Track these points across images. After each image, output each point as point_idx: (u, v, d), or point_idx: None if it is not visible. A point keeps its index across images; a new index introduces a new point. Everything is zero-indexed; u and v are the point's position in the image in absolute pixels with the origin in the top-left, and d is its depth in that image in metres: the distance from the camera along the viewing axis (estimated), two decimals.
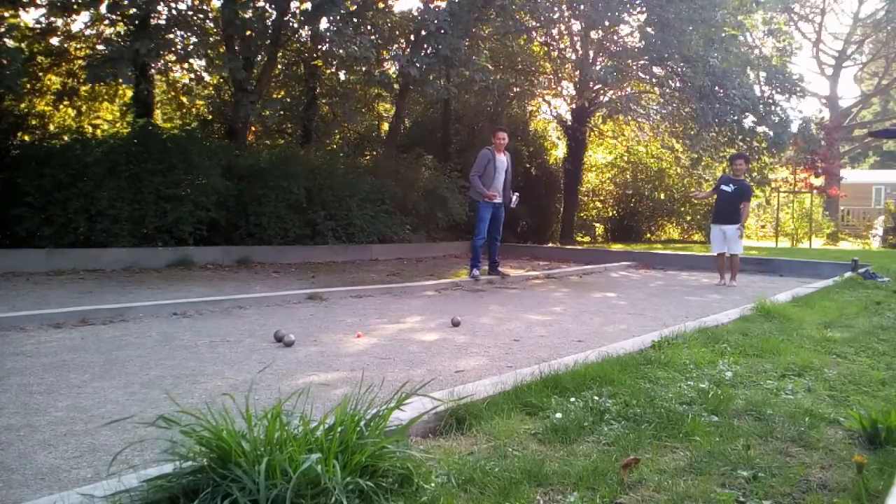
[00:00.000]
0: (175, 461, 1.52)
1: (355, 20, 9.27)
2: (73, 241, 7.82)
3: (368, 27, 9.81)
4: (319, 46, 8.94)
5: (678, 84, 12.68)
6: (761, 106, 12.73)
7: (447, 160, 13.47)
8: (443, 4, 9.84)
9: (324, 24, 9.39)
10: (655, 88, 13.82)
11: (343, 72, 12.42)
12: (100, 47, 9.48)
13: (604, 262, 10.60)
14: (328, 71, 12.71)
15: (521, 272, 8.94)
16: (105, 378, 3.14)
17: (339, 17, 8.71)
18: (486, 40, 12.73)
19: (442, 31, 9.05)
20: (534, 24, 12.19)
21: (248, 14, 8.85)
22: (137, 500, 1.46)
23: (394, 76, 10.61)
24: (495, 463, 1.75)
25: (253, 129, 12.35)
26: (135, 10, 8.57)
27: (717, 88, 11.93)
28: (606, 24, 11.42)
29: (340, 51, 8.77)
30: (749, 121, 12.80)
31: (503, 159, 7.66)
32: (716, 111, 11.87)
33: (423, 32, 9.42)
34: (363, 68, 10.18)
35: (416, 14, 10.40)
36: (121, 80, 8.54)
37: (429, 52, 9.50)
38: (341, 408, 1.67)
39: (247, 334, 4.31)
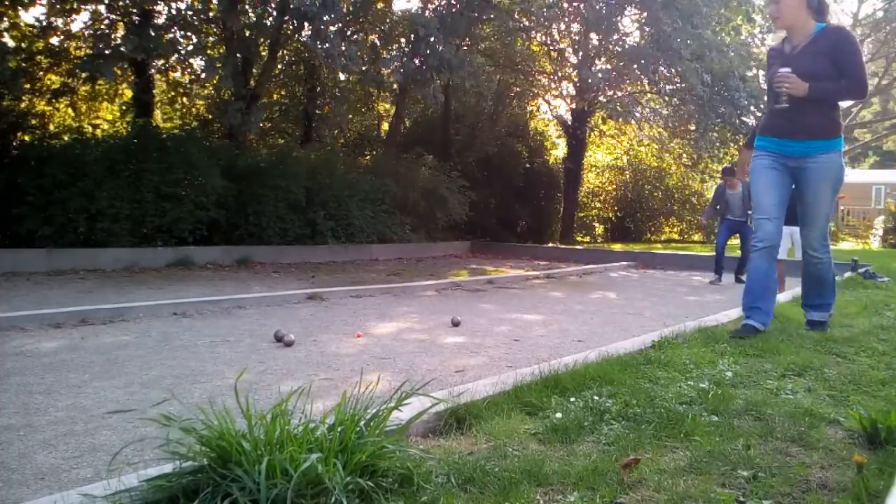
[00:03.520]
0: (175, 461, 1.52)
1: (346, 29, 9.24)
2: (73, 240, 7.83)
3: (359, 35, 9.79)
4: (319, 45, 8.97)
5: (678, 84, 12.70)
6: (762, 106, 12.74)
7: (447, 160, 13.47)
8: (437, 5, 9.86)
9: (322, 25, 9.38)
10: (655, 88, 13.84)
11: (341, 73, 12.45)
12: (100, 46, 9.49)
13: (604, 262, 10.60)
14: (326, 70, 12.73)
15: (521, 272, 8.94)
16: (105, 378, 3.14)
17: (332, 25, 8.67)
18: (485, 40, 12.72)
19: (432, 39, 9.07)
20: (533, 23, 12.19)
21: (250, 14, 8.84)
22: (137, 499, 1.46)
23: (391, 80, 10.63)
24: (495, 463, 1.75)
25: None
26: (134, 9, 8.57)
27: (716, 88, 11.95)
28: (604, 27, 11.44)
29: (331, 60, 8.74)
30: (751, 120, 12.82)
31: (737, 192, 8.41)
32: (717, 111, 11.89)
33: (415, 35, 9.44)
34: (362, 68, 10.19)
35: (415, 11, 10.40)
36: (104, 77, 8.53)
37: (420, 57, 9.51)
38: (341, 407, 1.67)
39: (247, 334, 4.32)
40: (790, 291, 5.96)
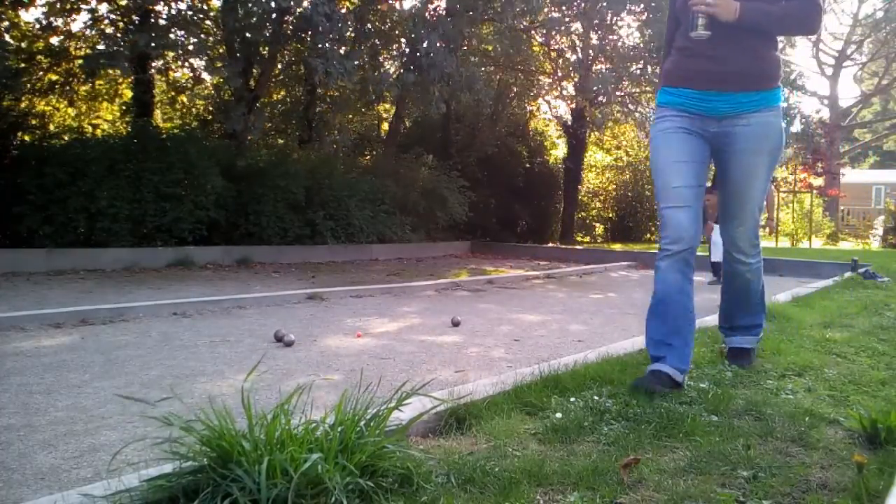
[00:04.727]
0: (175, 461, 1.52)
1: (344, 33, 9.24)
2: (74, 240, 7.83)
3: (357, 46, 9.79)
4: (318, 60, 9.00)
5: None
6: None
7: (447, 160, 13.47)
8: (436, 4, 9.83)
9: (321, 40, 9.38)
10: (653, 89, 13.83)
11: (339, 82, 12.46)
12: (100, 47, 9.50)
13: (604, 262, 10.60)
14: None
15: (521, 272, 8.95)
16: (105, 378, 3.15)
17: (330, 34, 8.66)
18: (484, 41, 12.71)
19: (432, 54, 9.09)
20: (534, 24, 12.20)
21: (252, 18, 8.84)
22: (137, 499, 1.46)
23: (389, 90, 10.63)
24: (495, 463, 1.75)
25: None
26: (134, 8, 8.58)
27: None
28: (608, 19, 11.42)
29: (329, 79, 8.71)
30: None
31: None
32: None
33: (412, 48, 9.44)
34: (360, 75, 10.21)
35: (415, 14, 10.39)
36: (118, 72, 8.52)
37: (418, 67, 9.52)
38: (341, 407, 1.67)
39: (247, 334, 4.32)
40: (790, 292, 5.94)
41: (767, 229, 6.41)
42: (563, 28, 12.63)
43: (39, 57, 10.39)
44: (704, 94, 2.55)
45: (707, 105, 2.55)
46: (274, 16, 9.10)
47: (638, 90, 14.66)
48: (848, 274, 7.47)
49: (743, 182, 2.63)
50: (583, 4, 11.70)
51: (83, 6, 10.12)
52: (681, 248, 2.56)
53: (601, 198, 18.83)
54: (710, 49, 2.49)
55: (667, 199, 2.56)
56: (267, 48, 10.15)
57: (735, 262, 2.80)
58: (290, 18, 9.31)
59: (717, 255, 6.51)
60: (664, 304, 2.62)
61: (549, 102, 16.61)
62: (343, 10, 9.03)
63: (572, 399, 2.35)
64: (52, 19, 9.91)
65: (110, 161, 8.17)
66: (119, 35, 9.20)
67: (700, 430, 2.02)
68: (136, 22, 9.11)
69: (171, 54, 9.90)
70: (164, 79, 12.04)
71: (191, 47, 9.76)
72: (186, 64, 11.17)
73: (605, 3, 11.06)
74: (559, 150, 17.25)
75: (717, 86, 2.52)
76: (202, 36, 10.08)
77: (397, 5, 10.85)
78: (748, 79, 2.52)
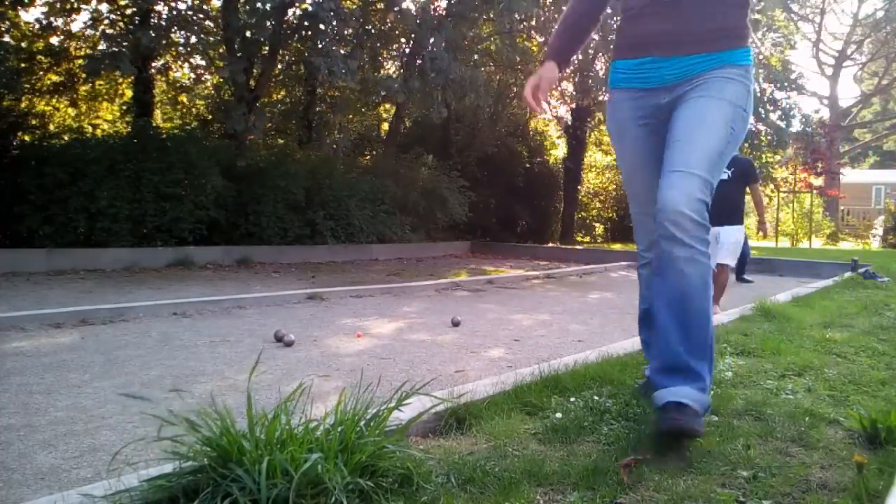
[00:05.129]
0: (175, 461, 1.52)
1: (346, 31, 9.25)
2: (74, 240, 7.83)
3: (359, 45, 9.80)
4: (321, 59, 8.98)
5: None
6: (761, 107, 12.76)
7: (447, 160, 13.47)
8: (436, 4, 9.82)
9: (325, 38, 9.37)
10: None
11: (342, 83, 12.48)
12: (101, 47, 9.49)
13: (604, 262, 10.61)
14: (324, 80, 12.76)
15: (521, 272, 8.95)
16: (105, 378, 3.15)
17: (331, 29, 8.65)
18: (484, 41, 12.71)
19: (436, 60, 9.10)
20: (533, 23, 12.21)
21: (253, 18, 8.82)
22: (137, 499, 1.46)
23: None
24: (495, 463, 1.75)
25: None
26: (134, 9, 8.57)
27: None
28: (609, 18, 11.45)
29: (332, 76, 8.71)
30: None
31: None
32: None
33: (414, 50, 9.45)
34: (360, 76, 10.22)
35: (416, 15, 10.39)
36: (121, 72, 8.51)
37: (422, 70, 9.53)
38: (340, 407, 1.67)
39: (247, 334, 4.32)
40: (790, 292, 5.94)
41: (761, 233, 5.95)
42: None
43: (39, 57, 10.39)
44: (650, 62, 2.07)
45: (653, 74, 2.07)
46: (276, 12, 9.10)
47: None
48: (848, 274, 7.48)
49: (690, 125, 1.95)
50: None
51: (83, 6, 10.13)
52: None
53: (601, 198, 18.82)
54: (661, 7, 2.01)
55: (634, 203, 2.28)
56: (267, 47, 10.14)
57: (669, 242, 1.83)
58: (292, 17, 9.30)
59: (724, 257, 5.26)
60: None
61: (549, 102, 16.60)
62: (346, 10, 9.02)
63: (572, 399, 2.34)
64: (52, 19, 9.92)
65: (110, 161, 8.16)
66: (119, 36, 9.19)
67: None
68: (137, 22, 9.11)
69: (172, 53, 9.91)
70: (164, 78, 12.04)
71: (191, 46, 9.77)
72: (187, 63, 11.17)
73: None
74: (559, 150, 17.25)
75: (662, 50, 2.03)
76: (203, 35, 10.08)
77: (396, 8, 10.86)
78: (703, 39, 2.00)
